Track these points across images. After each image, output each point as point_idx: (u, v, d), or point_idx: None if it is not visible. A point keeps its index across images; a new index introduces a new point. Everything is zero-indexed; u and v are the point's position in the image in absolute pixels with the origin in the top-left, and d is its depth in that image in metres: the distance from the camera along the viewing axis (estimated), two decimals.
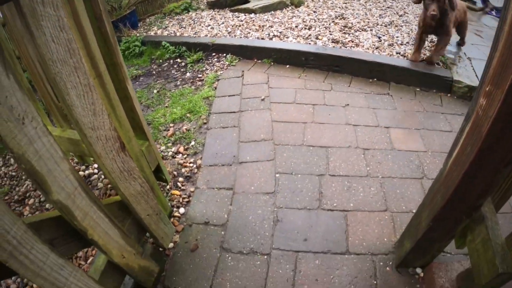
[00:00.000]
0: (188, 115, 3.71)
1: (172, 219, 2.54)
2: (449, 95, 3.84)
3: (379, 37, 4.94)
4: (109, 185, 2.86)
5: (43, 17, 1.19)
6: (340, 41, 4.78)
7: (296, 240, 2.38)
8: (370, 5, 6.69)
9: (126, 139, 1.89)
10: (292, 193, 2.70)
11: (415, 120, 3.40)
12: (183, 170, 3.01)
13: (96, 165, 3.12)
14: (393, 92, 3.86)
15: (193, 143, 3.31)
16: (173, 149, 3.26)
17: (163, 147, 3.26)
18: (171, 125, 3.60)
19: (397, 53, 4.43)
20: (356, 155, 3.02)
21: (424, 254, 2.02)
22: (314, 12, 6.16)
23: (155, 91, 4.42)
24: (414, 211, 2.24)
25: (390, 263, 2.22)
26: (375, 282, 2.14)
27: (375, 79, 4.15)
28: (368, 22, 5.54)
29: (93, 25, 1.69)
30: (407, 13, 6.16)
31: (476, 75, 3.90)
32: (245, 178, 2.87)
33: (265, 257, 2.31)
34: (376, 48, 4.58)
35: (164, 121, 3.67)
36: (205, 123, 3.56)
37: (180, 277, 2.26)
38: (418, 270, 2.15)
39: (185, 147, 3.28)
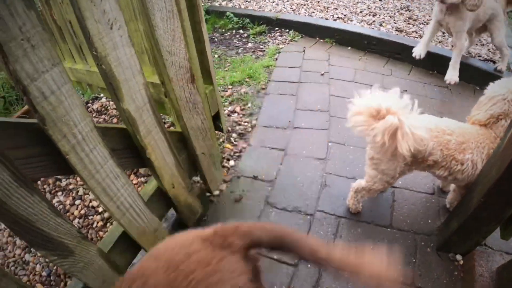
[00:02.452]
0: (247, 79, 3.76)
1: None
2: None
3: (443, 32, 4.77)
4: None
5: None
6: (404, 30, 4.70)
7: (341, 206, 2.39)
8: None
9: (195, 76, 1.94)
10: (342, 162, 2.70)
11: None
12: (237, 127, 3.07)
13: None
14: (452, 86, 3.73)
15: (249, 105, 3.36)
16: (230, 108, 3.32)
17: None
18: (230, 87, 3.67)
19: None
20: None
21: (468, 238, 1.98)
22: (380, 0, 6.07)
23: (216, 55, 4.48)
24: None
25: (432, 244, 2.19)
26: (414, 260, 2.12)
27: (436, 72, 4.06)
28: None
29: None
30: None
31: None
32: (298, 142, 2.89)
33: (308, 217, 2.33)
34: (439, 42, 4.52)
35: (223, 82, 3.73)
36: (263, 89, 3.60)
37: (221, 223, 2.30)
38: (458, 257, 2.11)
39: (242, 107, 3.33)
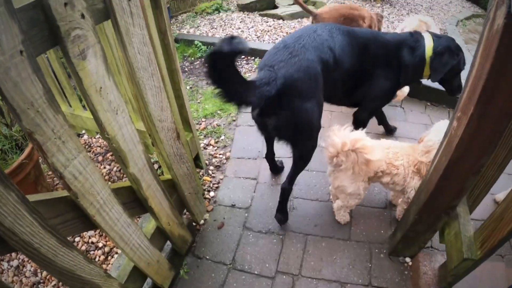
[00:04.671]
0: (219, 112, 4.11)
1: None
2: None
3: None
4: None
5: (133, 35, 1.59)
6: None
7: (307, 225, 2.81)
8: (393, 17, 6.97)
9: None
10: (307, 186, 3.12)
11: (422, 132, 3.60)
12: (213, 160, 3.44)
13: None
14: (405, 105, 4.15)
15: (223, 137, 3.73)
16: (205, 141, 3.68)
17: None
18: (203, 119, 4.01)
19: None
20: None
21: (412, 244, 2.42)
22: None
23: (188, 87, 4.78)
24: None
25: (384, 251, 2.61)
26: (370, 265, 2.53)
27: None
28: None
29: (159, 37, 2.13)
30: None
31: None
32: (267, 171, 3.28)
33: (281, 237, 2.74)
34: None
35: (197, 115, 4.07)
36: (234, 120, 3.97)
37: (208, 248, 2.69)
38: (407, 259, 2.54)
39: (216, 140, 3.70)
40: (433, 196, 1.94)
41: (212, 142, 3.67)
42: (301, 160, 2.55)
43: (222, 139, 3.72)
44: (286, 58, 2.13)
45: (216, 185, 3.19)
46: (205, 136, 3.77)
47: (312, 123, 2.32)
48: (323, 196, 3.01)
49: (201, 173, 3.28)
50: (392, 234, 2.64)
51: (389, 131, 3.70)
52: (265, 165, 3.29)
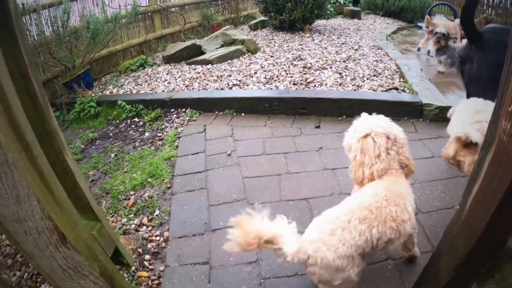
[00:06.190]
0: (149, 180, 3.37)
1: None
2: (421, 120, 3.94)
3: (340, 73, 5.05)
4: None
5: None
6: (302, 83, 4.79)
7: None
8: (325, 43, 7.05)
9: (70, 225, 1.51)
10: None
11: None
12: (149, 245, 2.60)
13: None
14: None
15: (157, 212, 2.94)
16: (136, 221, 2.87)
17: (124, 219, 2.87)
18: (132, 192, 3.24)
19: (358, 86, 4.55)
20: None
21: None
22: (272, 56, 6.25)
23: (112, 155, 4.12)
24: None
25: None
26: None
27: (344, 116, 4.11)
28: (326, 60, 5.69)
29: (17, 84, 1.36)
30: (362, 47, 6.58)
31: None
32: (221, 248, 2.45)
33: None
34: (340, 85, 4.64)
35: (123, 188, 3.31)
36: (169, 188, 3.22)
37: None
38: None
39: (149, 217, 2.89)
40: (481, 240, 1.34)
41: (145, 220, 2.85)
42: None
43: (157, 215, 2.91)
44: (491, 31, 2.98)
45: (156, 282, 2.31)
46: (135, 214, 2.95)
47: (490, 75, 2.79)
48: (302, 268, 2.21)
49: (133, 269, 2.41)
50: None
51: None
52: (217, 239, 2.54)
